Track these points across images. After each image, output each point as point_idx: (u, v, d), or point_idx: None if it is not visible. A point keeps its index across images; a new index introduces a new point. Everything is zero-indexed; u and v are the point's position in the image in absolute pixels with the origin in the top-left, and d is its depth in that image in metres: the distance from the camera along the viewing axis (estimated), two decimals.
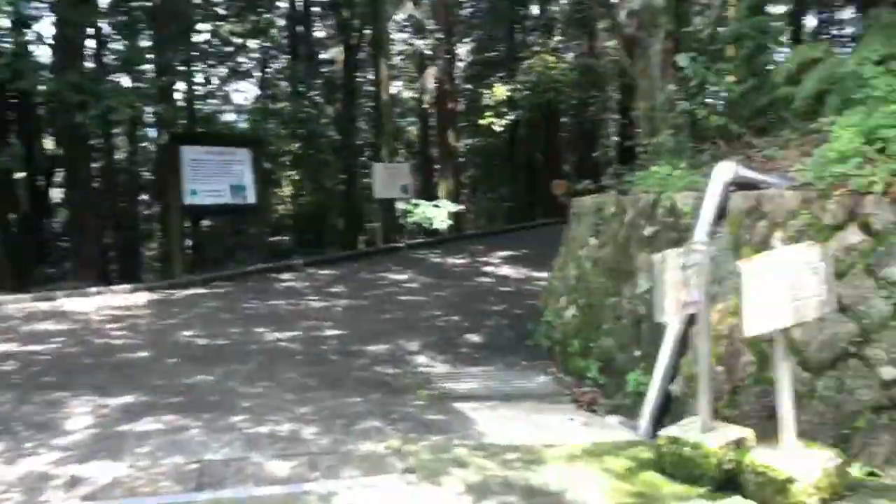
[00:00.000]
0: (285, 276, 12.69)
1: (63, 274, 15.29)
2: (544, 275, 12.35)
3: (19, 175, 15.84)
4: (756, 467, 3.76)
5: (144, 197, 24.20)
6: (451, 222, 19.05)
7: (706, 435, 4.08)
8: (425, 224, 18.51)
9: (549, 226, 20.28)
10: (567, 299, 7.73)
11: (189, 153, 13.55)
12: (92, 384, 6.11)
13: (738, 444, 4.06)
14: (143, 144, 25.71)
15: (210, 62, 18.48)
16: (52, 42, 11.56)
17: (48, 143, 20.29)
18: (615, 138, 30.58)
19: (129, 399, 5.70)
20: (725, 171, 5.46)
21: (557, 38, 22.31)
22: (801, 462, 3.70)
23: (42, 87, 11.68)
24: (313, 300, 10.39)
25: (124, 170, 23.92)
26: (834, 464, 3.72)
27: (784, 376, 3.77)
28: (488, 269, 13.28)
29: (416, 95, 24.60)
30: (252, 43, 22.10)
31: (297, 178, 20.25)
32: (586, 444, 4.64)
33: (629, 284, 6.54)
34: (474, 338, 8.35)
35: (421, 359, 7.51)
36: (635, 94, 8.98)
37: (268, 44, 24.48)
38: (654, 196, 6.48)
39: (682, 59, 7.70)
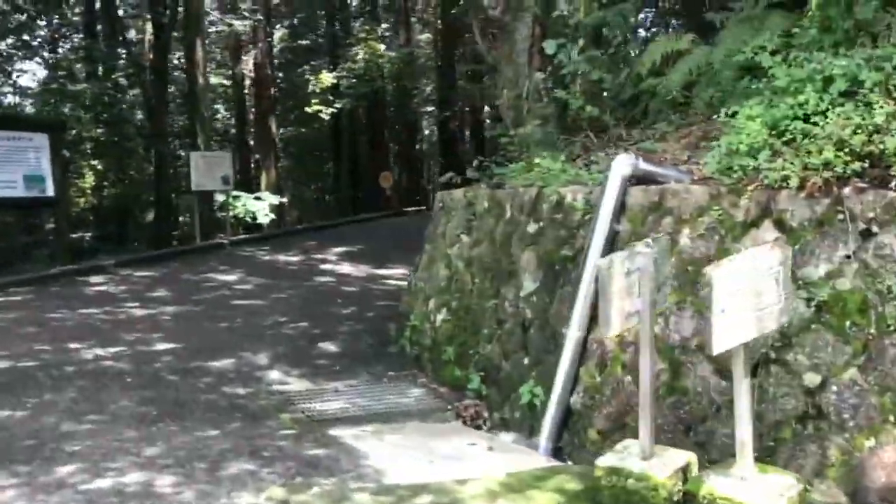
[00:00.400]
0: (95, 278, 11.12)
1: None
2: (389, 272, 11.77)
3: None
4: (716, 500, 3.32)
5: None
6: (273, 216, 17.95)
7: (649, 463, 3.60)
8: (247, 218, 17.30)
9: (379, 219, 19.75)
10: (436, 301, 7.11)
11: None
12: None
13: (685, 472, 3.61)
14: None
15: None
16: None
17: None
18: (431, 130, 30.60)
19: None
20: (624, 163, 5.04)
21: (385, 25, 21.67)
22: (763, 491, 3.30)
23: None
24: (134, 308, 9.06)
25: None
26: (797, 490, 3.36)
27: (743, 395, 3.35)
28: (326, 266, 12.42)
29: (227, 81, 23.02)
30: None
31: (99, 167, 18.14)
32: (503, 478, 4.02)
33: (511, 286, 6.02)
34: (329, 346, 7.53)
35: (274, 374, 6.61)
36: (497, 81, 8.52)
37: (57, 19, 21.94)
38: (536, 190, 6.01)
39: (549, 46, 7.30)
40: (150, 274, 11.50)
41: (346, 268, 12.27)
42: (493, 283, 6.29)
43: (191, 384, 6.10)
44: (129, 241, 19.18)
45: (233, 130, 23.60)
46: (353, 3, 24.92)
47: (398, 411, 5.79)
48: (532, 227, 5.97)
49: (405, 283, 10.99)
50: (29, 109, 20.94)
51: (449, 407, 5.85)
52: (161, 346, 7.24)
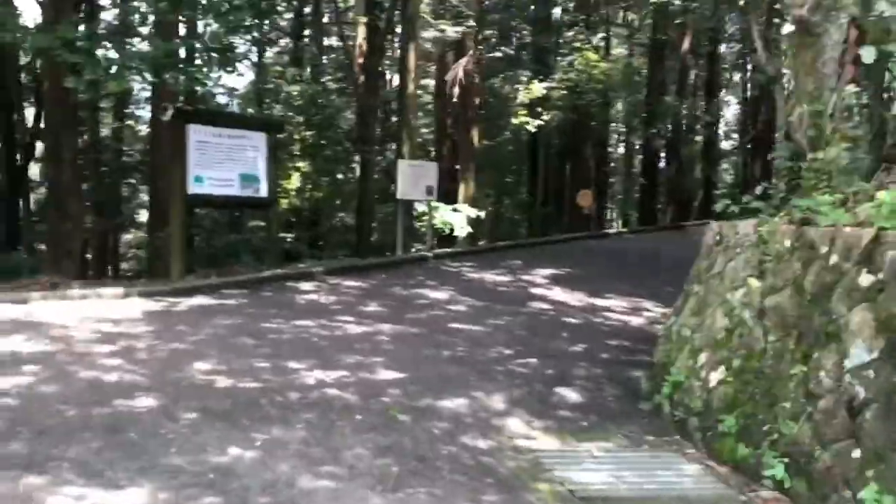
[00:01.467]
0: (304, 285, 10.75)
1: (36, 264, 13.23)
2: (608, 303, 10.62)
3: None
4: None
5: (131, 181, 22.21)
6: (470, 230, 17.23)
7: None
8: (444, 230, 16.70)
9: (580, 240, 18.60)
10: (710, 356, 5.90)
11: (196, 134, 11.55)
12: (77, 462, 4.18)
13: None
14: (129, 122, 23.69)
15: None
16: None
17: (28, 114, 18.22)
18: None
19: (136, 497, 3.79)
20: None
21: (600, 35, 20.55)
22: None
23: (27, 44, 9.61)
24: (349, 323, 8.47)
25: (108, 148, 21.85)
26: None
27: None
28: (538, 291, 11.44)
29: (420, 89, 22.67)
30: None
31: (305, 169, 18.26)
32: None
33: (830, 351, 4.72)
34: (569, 394, 6.50)
35: (514, 424, 5.68)
36: (791, 94, 7.19)
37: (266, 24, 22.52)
38: (873, 232, 4.67)
39: (868, 54, 5.92)
40: (358, 284, 11.01)
41: (559, 293, 11.23)
42: (800, 345, 5.01)
43: (426, 430, 5.27)
44: (328, 247, 19.21)
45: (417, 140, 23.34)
46: (557, 12, 24.07)
47: (675, 495, 4.67)
48: (866, 280, 4.64)
49: (632, 319, 9.90)
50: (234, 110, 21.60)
51: (742, 498, 4.65)
52: (385, 375, 6.51)
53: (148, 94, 20.38)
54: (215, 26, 11.45)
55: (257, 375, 6.18)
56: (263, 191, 12.46)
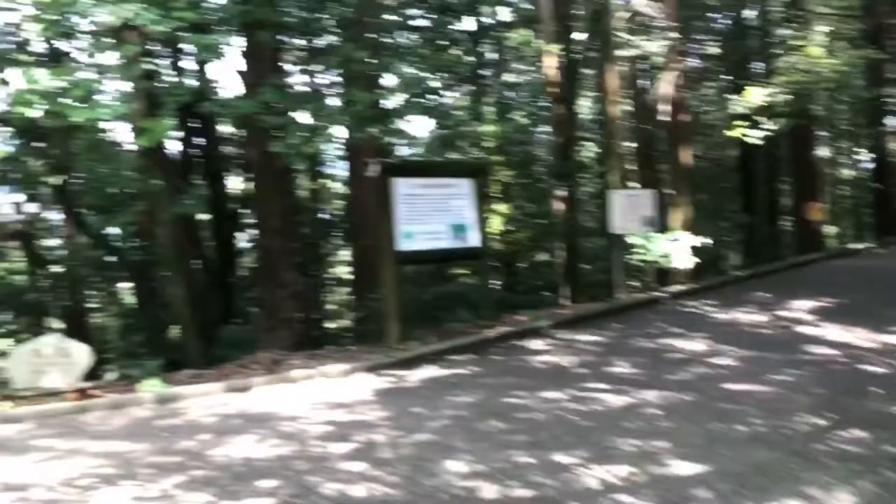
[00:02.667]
0: (534, 343, 9.61)
1: (252, 334, 13.01)
2: None
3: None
4: None
5: (331, 240, 22.19)
6: (697, 260, 15.41)
7: None
8: (662, 263, 14.99)
9: (821, 262, 16.27)
10: None
11: (402, 187, 10.84)
12: None
13: None
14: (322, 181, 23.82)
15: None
16: (244, 52, 9.02)
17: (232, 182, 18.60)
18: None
19: None
20: None
21: (824, 28, 18.24)
22: None
23: (229, 113, 9.29)
24: (604, 391, 7.18)
25: (306, 209, 21.98)
26: None
27: None
28: (807, 330, 9.59)
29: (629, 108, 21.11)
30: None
31: (504, 210, 17.33)
32: None
33: None
34: None
35: None
36: None
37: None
38: None
39: None
40: (594, 339, 9.70)
41: (836, 332, 9.33)
42: None
43: None
44: (526, 290, 18.09)
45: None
46: (750, 14, 21.87)
47: None
48: None
49: None
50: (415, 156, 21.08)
51: None
52: (680, 468, 5.13)
53: (339, 150, 20.46)
54: (411, 71, 10.74)
55: (526, 477, 5.02)
56: (474, 240, 11.54)
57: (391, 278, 10.64)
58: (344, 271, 23.27)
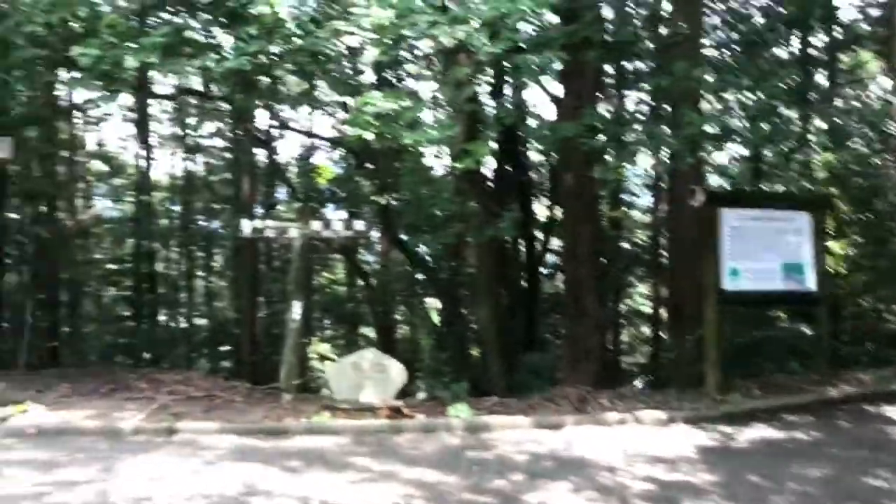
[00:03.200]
0: (889, 411, 8.05)
1: (549, 366, 12.58)
2: None
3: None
4: None
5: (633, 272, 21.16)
6: None
7: None
8: None
9: None
10: None
11: (731, 219, 9.78)
12: None
13: None
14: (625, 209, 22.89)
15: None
16: (563, 74, 8.64)
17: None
18: None
19: None
20: None
21: None
22: None
23: (551, 134, 8.98)
24: None
25: (608, 238, 21.21)
26: None
27: None
28: None
29: None
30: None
31: (839, 249, 15.25)
32: None
33: None
34: None
35: None
36: None
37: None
38: None
39: None
40: None
41: None
42: None
43: None
44: (860, 342, 15.69)
45: None
46: None
47: None
48: None
49: None
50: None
51: None
52: None
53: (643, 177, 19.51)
54: (756, 94, 9.70)
55: None
56: (809, 283, 10.09)
57: (712, 320, 9.60)
58: (641, 305, 22.21)
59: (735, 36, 12.19)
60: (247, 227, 9.25)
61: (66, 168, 21.30)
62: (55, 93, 17.85)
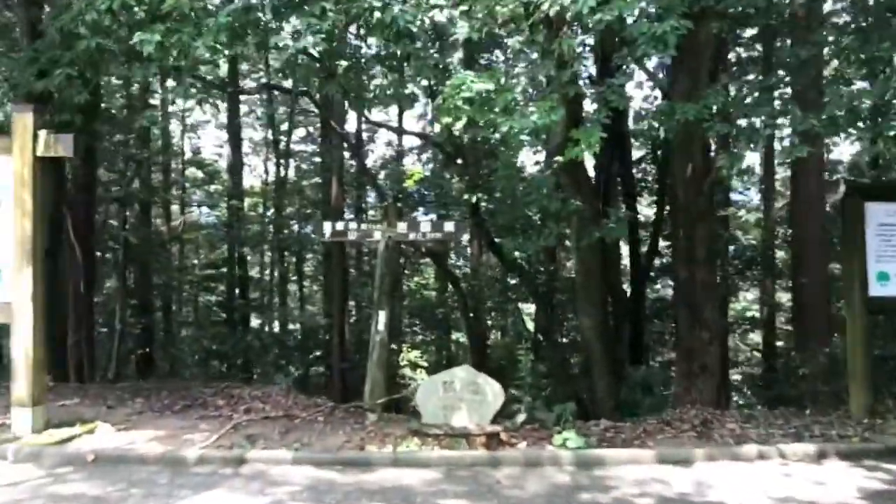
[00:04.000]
0: None
1: (660, 381, 11.36)
2: None
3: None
4: None
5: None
6: None
7: None
8: None
9: None
10: None
11: (879, 214, 8.41)
12: None
13: None
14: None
15: None
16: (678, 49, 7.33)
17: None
18: None
19: None
20: None
21: None
22: None
23: (668, 117, 7.77)
24: None
25: (721, 238, 19.55)
26: None
27: None
28: None
29: None
30: None
31: None
32: None
33: None
34: None
35: None
36: None
37: None
38: None
39: None
40: None
41: None
42: None
43: None
44: None
45: None
46: None
47: None
48: None
49: None
50: None
51: None
52: None
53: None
54: None
55: None
56: None
57: (859, 330, 8.25)
58: (748, 311, 20.51)
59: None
60: (327, 229, 8.47)
61: (162, 174, 21.50)
62: (152, 100, 17.92)
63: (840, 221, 8.47)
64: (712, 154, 10.51)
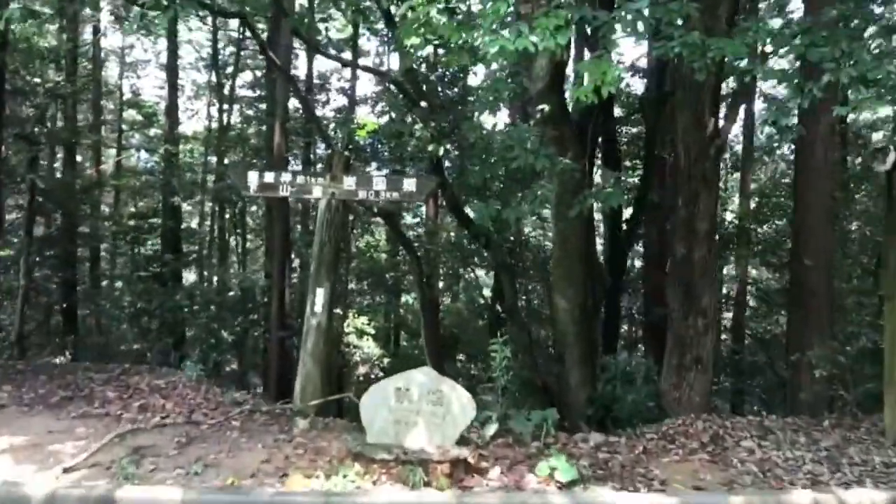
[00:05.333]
0: None
1: (643, 373, 9.82)
2: None
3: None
4: None
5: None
6: None
7: None
8: None
9: None
10: None
11: None
12: None
13: None
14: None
15: None
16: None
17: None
18: None
19: None
20: None
21: None
22: None
23: (699, 52, 6.09)
24: None
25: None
26: None
27: None
28: None
29: None
30: None
31: None
32: None
33: None
34: None
35: None
36: None
37: None
38: None
39: None
40: None
41: None
42: None
43: None
44: None
45: None
46: None
47: None
48: None
49: None
50: None
51: None
52: None
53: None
54: None
55: None
56: None
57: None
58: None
59: None
60: (253, 180, 6.67)
61: (92, 113, 19.39)
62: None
63: (885, 197, 6.98)
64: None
